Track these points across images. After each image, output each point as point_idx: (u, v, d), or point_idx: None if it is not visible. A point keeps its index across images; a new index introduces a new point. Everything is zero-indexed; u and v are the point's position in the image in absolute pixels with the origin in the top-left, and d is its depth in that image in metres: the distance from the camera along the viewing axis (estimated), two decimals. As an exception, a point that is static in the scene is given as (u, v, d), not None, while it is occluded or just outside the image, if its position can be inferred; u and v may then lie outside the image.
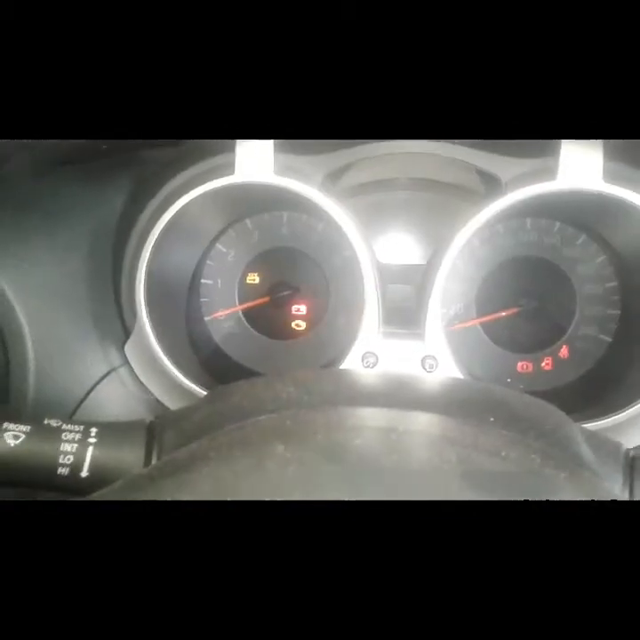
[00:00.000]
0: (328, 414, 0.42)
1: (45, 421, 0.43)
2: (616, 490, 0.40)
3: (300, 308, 0.78)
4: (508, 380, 0.74)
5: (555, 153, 0.60)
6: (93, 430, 0.44)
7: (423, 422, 0.41)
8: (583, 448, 0.42)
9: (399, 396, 0.48)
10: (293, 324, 0.79)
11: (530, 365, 0.75)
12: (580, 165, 0.59)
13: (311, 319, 0.78)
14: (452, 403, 0.46)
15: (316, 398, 0.46)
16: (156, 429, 0.45)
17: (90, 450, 0.42)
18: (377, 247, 0.74)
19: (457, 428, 0.41)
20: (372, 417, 0.42)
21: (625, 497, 0.40)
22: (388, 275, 0.74)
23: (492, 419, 0.42)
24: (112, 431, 0.44)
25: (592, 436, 0.45)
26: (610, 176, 0.60)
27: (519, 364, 0.75)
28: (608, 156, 0.60)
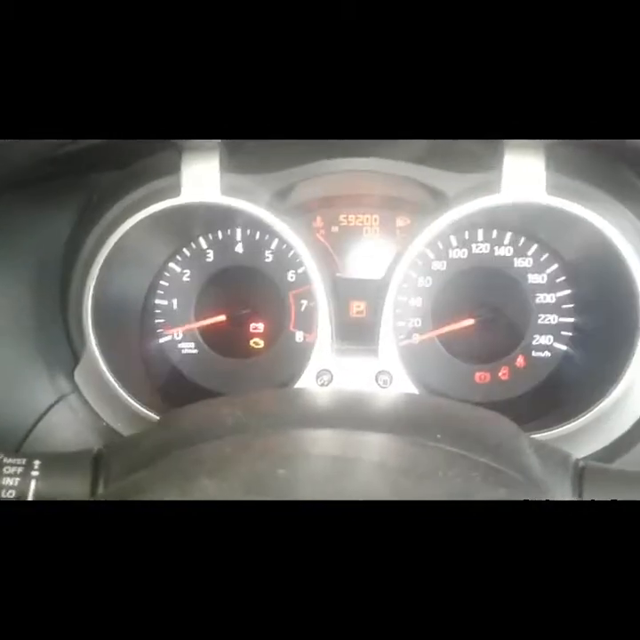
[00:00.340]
0: (267, 441, 0.41)
1: None
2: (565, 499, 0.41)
3: (257, 326, 0.78)
4: (466, 391, 0.75)
5: (498, 167, 0.60)
6: (36, 463, 0.43)
7: (360, 447, 0.40)
8: (532, 459, 0.42)
9: (346, 416, 0.48)
10: (251, 342, 0.78)
11: (487, 376, 0.75)
12: (523, 178, 0.60)
13: (269, 337, 0.77)
14: (400, 421, 0.46)
15: (261, 422, 0.46)
16: (103, 459, 0.44)
17: (32, 483, 0.42)
18: (332, 263, 0.74)
19: (396, 452, 0.41)
20: (310, 441, 0.41)
21: None
22: (345, 290, 0.74)
23: (439, 435, 0.42)
24: (56, 462, 0.44)
25: (541, 447, 0.45)
26: (553, 188, 0.60)
27: (477, 374, 0.75)
28: (550, 168, 0.60)
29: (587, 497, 0.41)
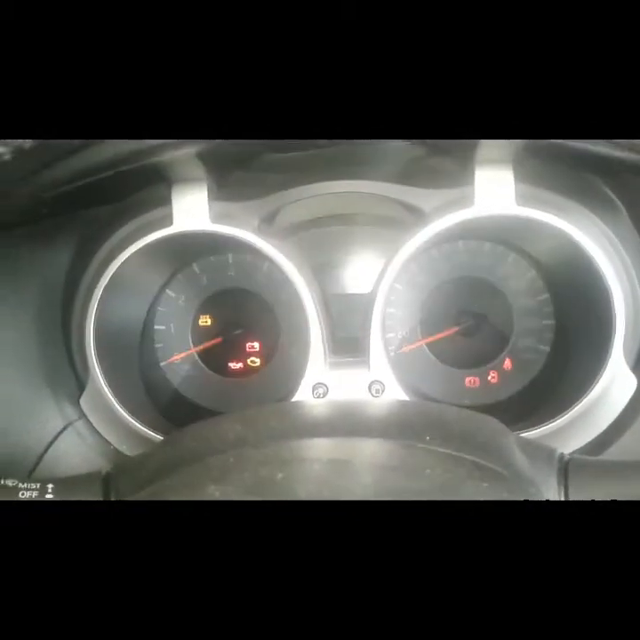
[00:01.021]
0: (267, 450, 0.44)
1: (1, 481, 0.44)
2: (551, 494, 0.43)
3: (253, 345, 0.81)
4: (457, 395, 0.77)
5: (470, 181, 0.64)
6: (50, 486, 0.45)
7: (352, 450, 0.43)
8: (518, 456, 0.44)
9: (341, 424, 0.51)
10: (248, 361, 0.81)
11: (477, 380, 0.78)
12: (494, 191, 0.63)
13: (265, 355, 0.80)
14: (391, 426, 0.49)
15: (260, 434, 0.49)
16: (113, 478, 0.47)
17: None
18: (323, 280, 0.77)
19: (386, 453, 0.44)
20: (306, 448, 0.44)
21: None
22: (336, 306, 0.78)
23: (428, 437, 0.45)
24: (69, 485, 0.46)
25: (527, 444, 0.47)
26: (522, 199, 0.64)
27: (467, 379, 0.78)
28: (519, 180, 0.64)
29: (572, 489, 0.43)
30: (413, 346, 0.78)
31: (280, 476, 0.37)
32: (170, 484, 0.41)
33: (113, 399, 0.68)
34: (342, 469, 0.39)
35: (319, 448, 0.44)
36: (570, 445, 0.65)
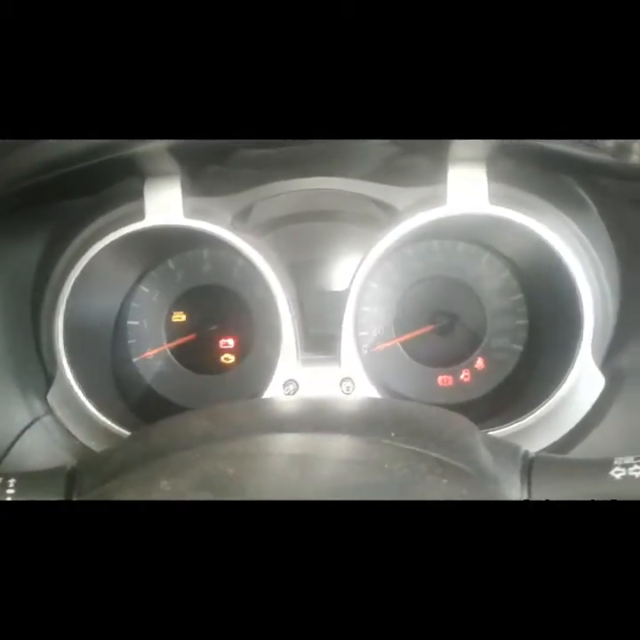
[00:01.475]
0: (230, 446, 0.44)
1: None
2: (514, 491, 0.43)
3: (227, 342, 0.80)
4: (430, 394, 0.78)
5: (443, 180, 0.64)
6: (11, 481, 0.45)
7: (311, 446, 0.43)
8: (482, 454, 0.44)
9: (308, 420, 0.51)
10: (222, 358, 0.80)
11: (450, 379, 0.78)
12: (467, 190, 0.64)
13: (239, 352, 0.80)
14: (358, 423, 0.49)
15: (227, 431, 0.49)
16: (76, 474, 0.46)
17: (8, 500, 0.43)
18: (297, 277, 0.77)
19: (347, 448, 0.44)
20: (267, 444, 0.44)
21: (523, 498, 0.43)
22: (310, 303, 0.77)
23: (393, 434, 0.45)
24: (31, 480, 0.45)
25: (493, 442, 0.48)
26: (495, 198, 0.64)
27: (440, 378, 0.78)
28: (492, 179, 0.64)
29: (535, 486, 0.43)
30: (387, 344, 0.78)
31: (231, 471, 0.36)
32: (127, 480, 0.41)
33: (81, 394, 0.67)
34: (297, 464, 0.39)
35: (279, 444, 0.44)
36: (538, 443, 0.65)
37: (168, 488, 0.35)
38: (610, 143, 0.48)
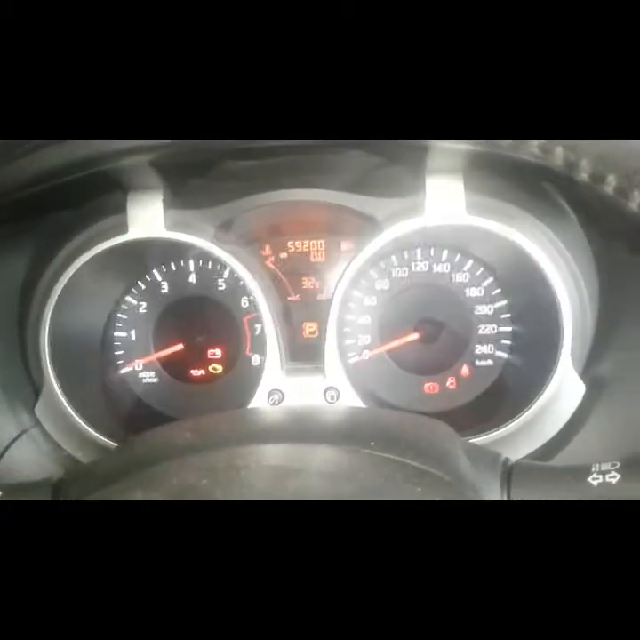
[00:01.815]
0: (211, 457, 0.45)
1: None
2: (493, 498, 0.43)
3: (215, 353, 0.81)
4: (416, 402, 0.78)
5: (421, 190, 0.64)
6: None
7: (288, 456, 0.44)
8: (462, 461, 0.45)
9: (288, 431, 0.51)
10: (210, 368, 0.81)
11: (436, 386, 0.79)
12: (445, 200, 0.64)
13: (226, 362, 0.81)
14: (338, 432, 0.49)
15: (209, 441, 0.49)
16: (63, 486, 0.47)
17: None
18: (284, 287, 0.78)
19: (324, 458, 0.44)
20: (242, 455, 0.45)
21: None
22: (297, 312, 0.78)
23: (372, 443, 0.45)
24: (18, 492, 0.46)
25: (473, 449, 0.48)
26: (473, 208, 0.65)
27: (426, 385, 0.79)
28: (470, 189, 0.65)
29: (514, 493, 0.44)
30: (373, 353, 0.78)
31: (204, 481, 0.37)
32: (110, 491, 0.41)
33: (68, 406, 0.68)
34: (271, 475, 0.40)
35: (258, 456, 0.44)
36: (521, 451, 0.66)
37: (144, 499, 0.36)
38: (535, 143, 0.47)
